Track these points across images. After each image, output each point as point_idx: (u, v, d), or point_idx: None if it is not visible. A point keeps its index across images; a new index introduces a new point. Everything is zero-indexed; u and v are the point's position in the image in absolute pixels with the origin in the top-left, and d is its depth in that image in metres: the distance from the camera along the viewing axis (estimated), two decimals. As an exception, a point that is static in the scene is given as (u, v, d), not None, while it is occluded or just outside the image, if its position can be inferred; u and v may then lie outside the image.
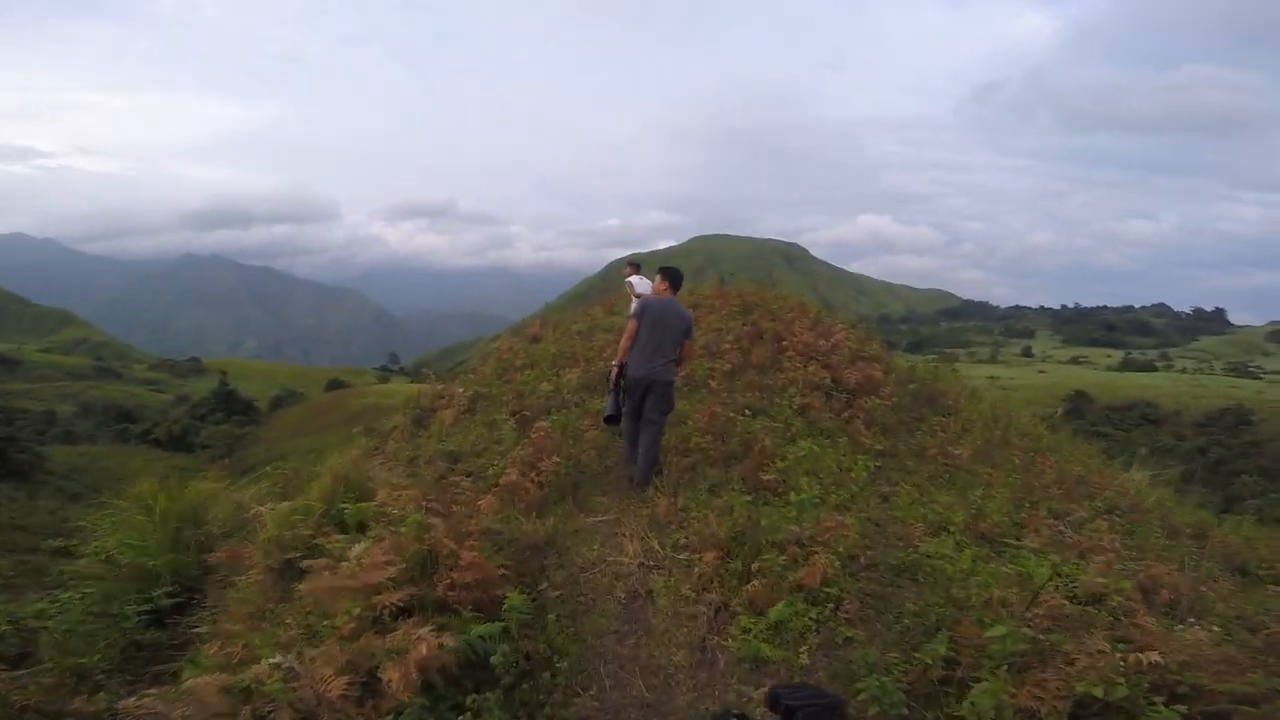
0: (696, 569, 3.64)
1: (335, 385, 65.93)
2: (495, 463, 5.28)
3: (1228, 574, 4.25)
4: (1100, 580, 3.23)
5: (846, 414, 5.99)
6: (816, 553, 3.48)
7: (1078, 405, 46.33)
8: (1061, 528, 4.33)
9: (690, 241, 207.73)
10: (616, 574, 3.74)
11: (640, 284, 8.91)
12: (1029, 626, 2.75)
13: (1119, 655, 2.53)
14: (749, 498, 4.30)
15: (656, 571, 3.75)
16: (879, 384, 6.52)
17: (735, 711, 0.88)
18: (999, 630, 2.63)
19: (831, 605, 3.26)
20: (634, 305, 5.27)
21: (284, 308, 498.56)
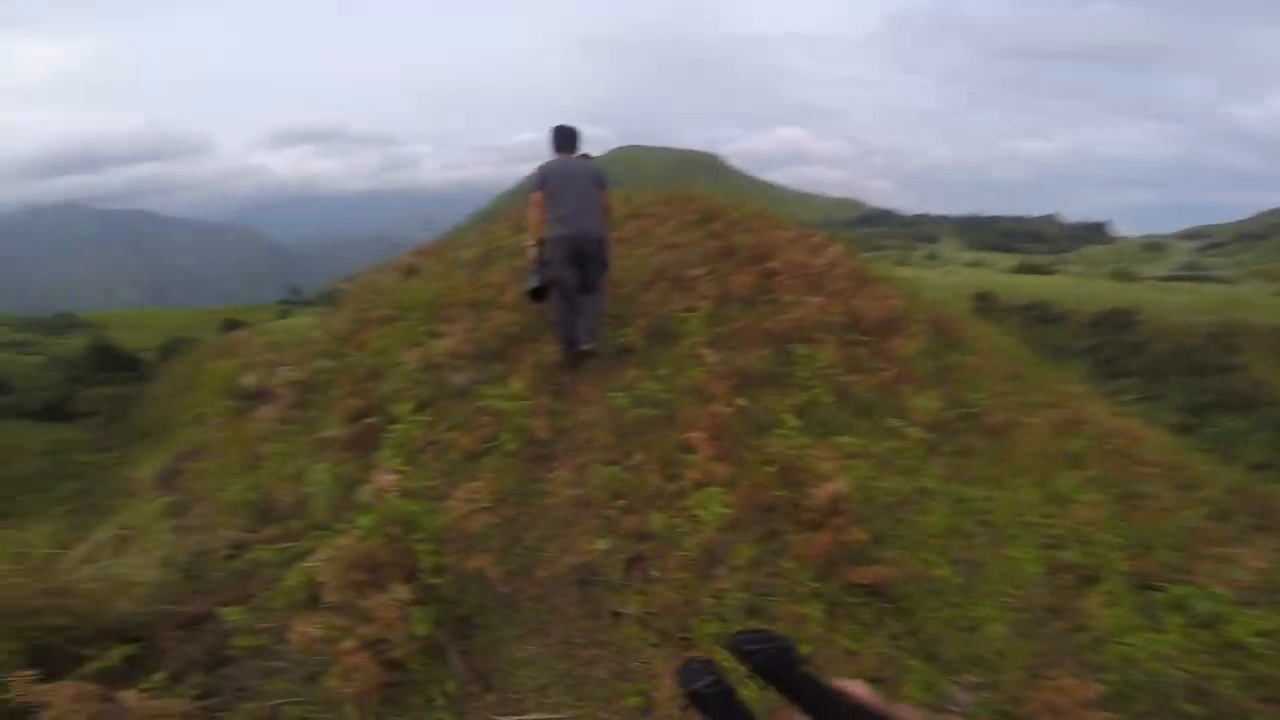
0: None
1: (232, 325, 60.36)
2: (294, 565, 2.95)
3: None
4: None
5: (887, 373, 4.38)
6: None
7: (983, 305, 49.28)
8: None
9: (611, 153, 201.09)
10: None
11: None
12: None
13: None
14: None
15: None
16: (901, 319, 4.99)
17: (698, 662, 0.87)
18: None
19: None
20: (532, 177, 4.66)
21: (160, 250, 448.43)
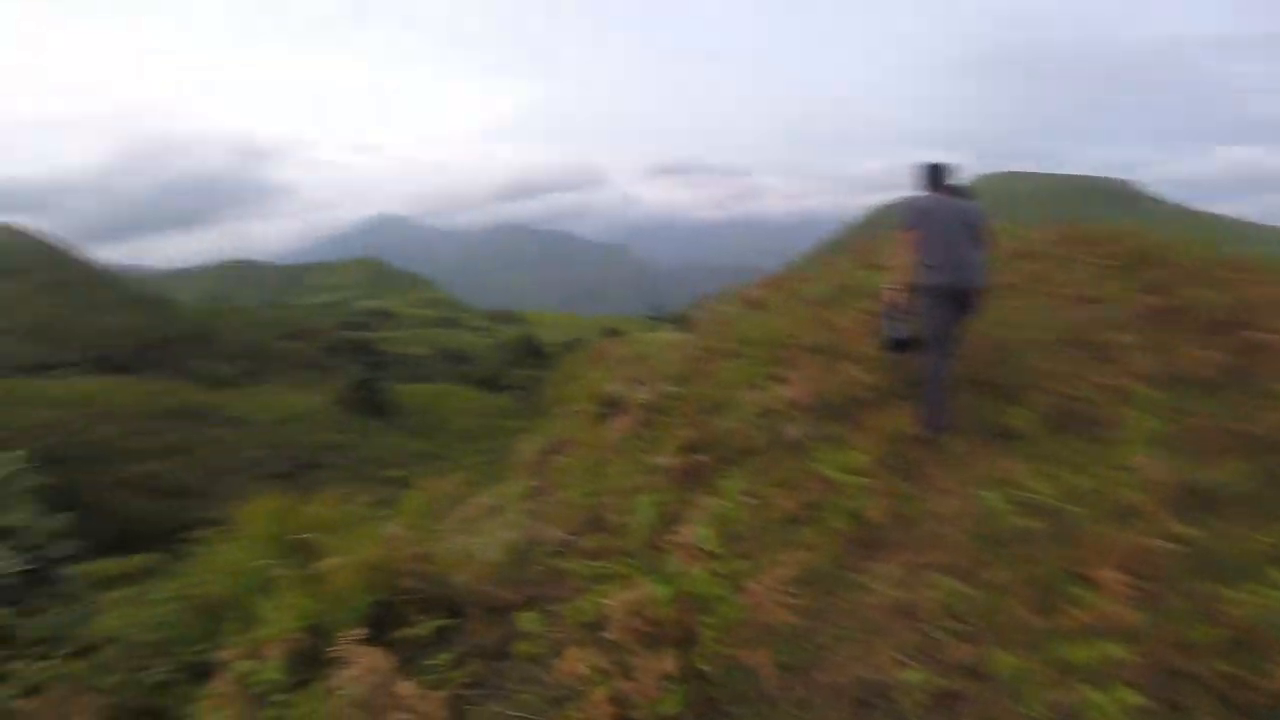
0: None
1: (611, 333, 72.89)
2: (595, 587, 2.96)
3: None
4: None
5: None
6: None
7: None
8: None
9: (974, 182, 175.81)
10: None
11: None
12: None
13: None
14: None
15: None
16: None
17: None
18: None
19: None
20: (902, 214, 4.17)
21: (572, 266, 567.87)
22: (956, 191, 4.26)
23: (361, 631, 2.61)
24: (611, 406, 5.36)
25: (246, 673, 2.78)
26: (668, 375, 5.55)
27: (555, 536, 3.61)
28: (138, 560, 14.89)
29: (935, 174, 4.24)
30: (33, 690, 3.44)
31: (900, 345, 4.13)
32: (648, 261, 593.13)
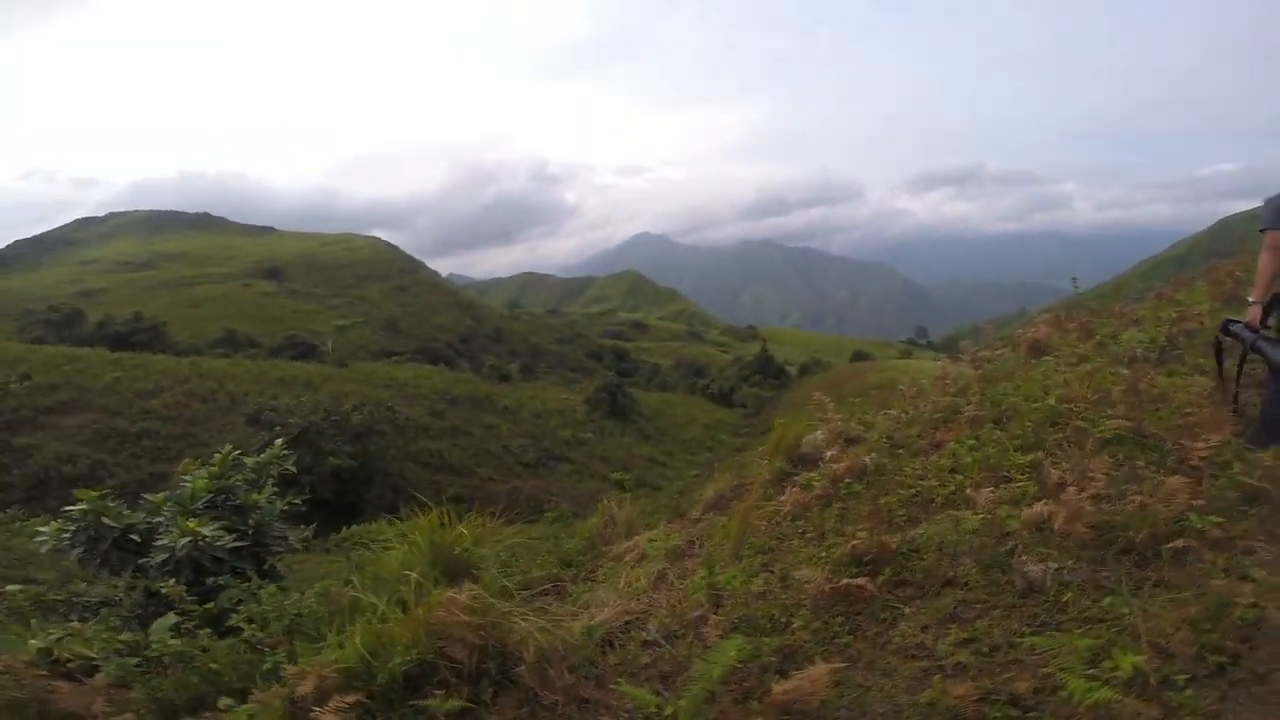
0: None
1: (859, 357, 67.84)
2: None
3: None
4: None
5: None
6: None
7: None
8: None
9: None
10: None
11: None
12: None
13: None
14: None
15: None
16: None
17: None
18: None
19: None
20: (1268, 214, 3.34)
21: (821, 283, 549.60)
22: None
23: (357, 696, 2.21)
24: (802, 464, 4.18)
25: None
26: (881, 437, 4.13)
27: (651, 626, 2.90)
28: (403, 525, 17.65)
29: None
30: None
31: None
32: (915, 278, 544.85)
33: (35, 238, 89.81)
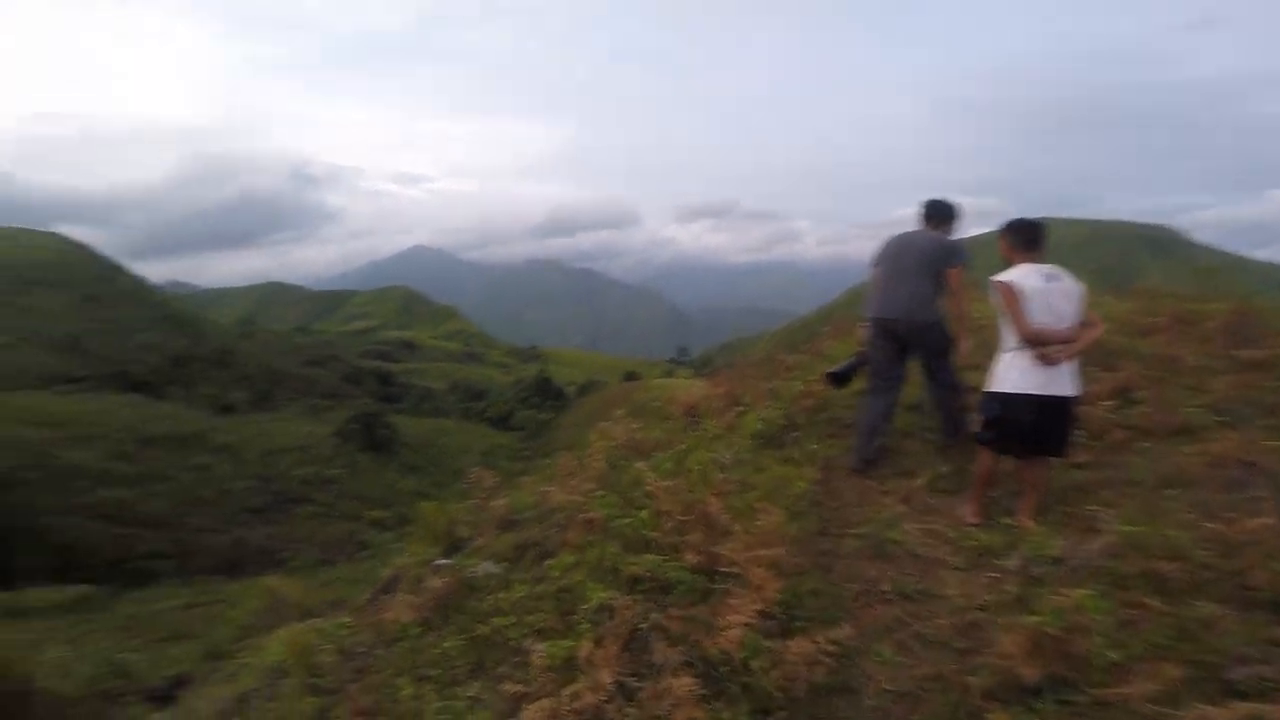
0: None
1: (630, 377, 71.51)
2: None
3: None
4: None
5: None
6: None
7: None
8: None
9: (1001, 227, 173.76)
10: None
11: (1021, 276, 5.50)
12: None
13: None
14: None
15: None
16: None
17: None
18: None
19: None
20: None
21: (601, 305, 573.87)
22: (941, 224, 4.12)
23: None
24: (454, 550, 3.70)
25: None
26: (598, 467, 3.91)
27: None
28: (71, 592, 13.72)
29: (928, 210, 4.21)
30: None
31: (835, 378, 4.31)
32: (678, 303, 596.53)
33: None
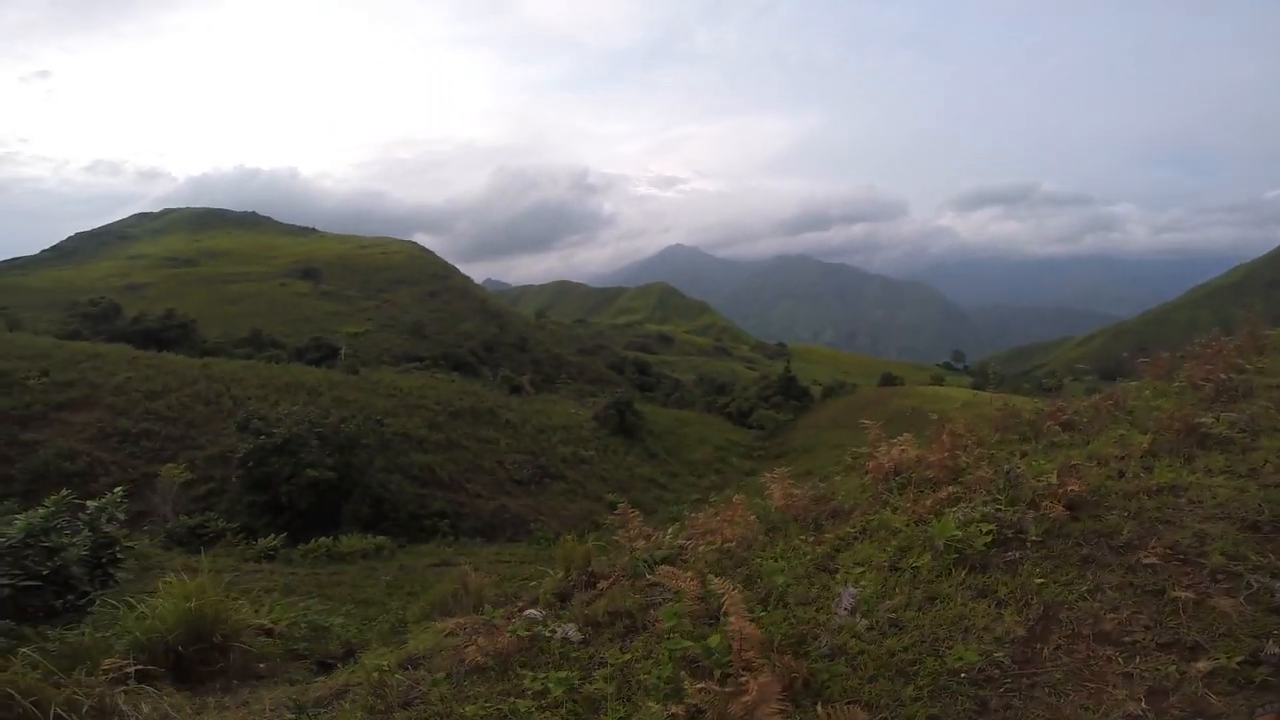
0: None
1: (888, 380, 65.50)
2: None
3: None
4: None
5: None
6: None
7: None
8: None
9: None
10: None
11: None
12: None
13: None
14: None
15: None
16: None
17: None
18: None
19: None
20: None
21: (856, 300, 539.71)
22: None
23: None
24: (592, 581, 3.60)
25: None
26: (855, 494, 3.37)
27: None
28: (371, 541, 17.36)
29: None
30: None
31: None
32: (955, 300, 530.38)
33: (93, 231, 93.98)
